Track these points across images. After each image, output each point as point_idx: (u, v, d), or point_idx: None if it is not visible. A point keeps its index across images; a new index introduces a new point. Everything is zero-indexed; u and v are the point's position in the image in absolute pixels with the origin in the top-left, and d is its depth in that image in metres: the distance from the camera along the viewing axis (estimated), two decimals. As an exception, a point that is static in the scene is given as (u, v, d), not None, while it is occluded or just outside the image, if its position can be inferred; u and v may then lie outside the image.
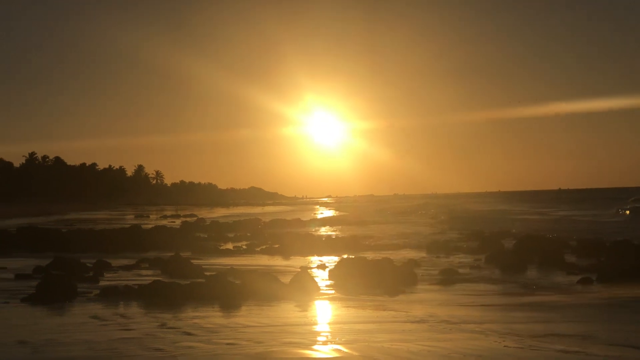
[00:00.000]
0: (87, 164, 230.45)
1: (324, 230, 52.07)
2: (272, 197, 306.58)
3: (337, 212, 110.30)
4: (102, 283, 20.91)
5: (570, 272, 22.23)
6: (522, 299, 17.75)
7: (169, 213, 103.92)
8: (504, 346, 11.90)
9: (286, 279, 19.70)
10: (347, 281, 20.36)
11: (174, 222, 68.27)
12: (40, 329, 13.94)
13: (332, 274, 21.72)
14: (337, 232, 48.14)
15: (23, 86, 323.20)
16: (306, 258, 29.51)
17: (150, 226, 49.26)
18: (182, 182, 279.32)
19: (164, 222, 69.50)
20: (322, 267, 24.97)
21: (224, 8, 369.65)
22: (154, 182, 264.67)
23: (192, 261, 25.10)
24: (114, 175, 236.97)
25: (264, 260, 28.88)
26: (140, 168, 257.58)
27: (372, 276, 20.52)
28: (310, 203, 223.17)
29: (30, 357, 11.50)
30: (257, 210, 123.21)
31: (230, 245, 37.52)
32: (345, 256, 26.94)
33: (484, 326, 13.71)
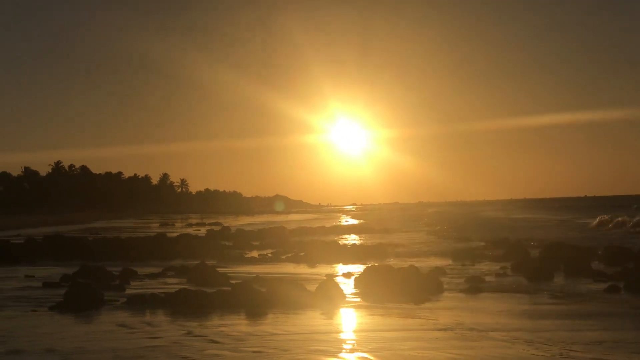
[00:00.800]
0: (112, 173, 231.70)
1: (349, 238, 52.05)
2: (297, 205, 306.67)
3: (361, 220, 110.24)
4: (129, 291, 21.01)
5: (597, 280, 22.11)
6: (549, 307, 17.67)
7: (194, 221, 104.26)
8: (531, 354, 11.86)
9: (312, 287, 19.69)
10: (372, 289, 20.33)
11: (199, 230, 68.46)
12: (68, 337, 14.04)
13: (358, 282, 21.70)
14: (362, 240, 48.11)
15: (49, 95, 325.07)
16: (332, 266, 29.51)
17: (175, 234, 49.44)
18: (206, 190, 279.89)
19: (189, 230, 69.71)
20: (347, 275, 24.95)
21: (248, 15, 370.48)
22: (179, 190, 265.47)
23: (217, 269, 25.15)
24: (139, 184, 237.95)
25: (289, 268, 28.90)
26: (165, 176, 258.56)
27: (398, 284, 20.48)
28: (334, 211, 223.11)
29: (59, 365, 11.58)
30: (281, 218, 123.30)
31: (255, 254, 37.57)
32: (370, 264, 26.91)
33: (511, 334, 13.67)
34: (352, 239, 50.05)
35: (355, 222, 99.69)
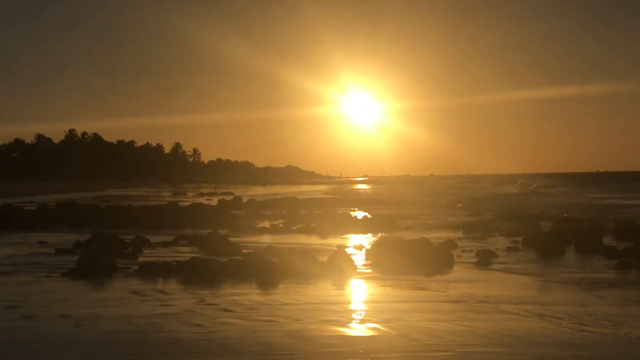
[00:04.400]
0: (125, 141, 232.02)
1: (361, 210, 52.06)
2: (309, 176, 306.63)
3: (373, 191, 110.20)
4: (141, 259, 21.12)
5: (609, 255, 22.08)
6: (560, 281, 17.68)
7: (205, 191, 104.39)
8: (542, 327, 11.91)
9: (323, 258, 19.78)
10: (383, 261, 20.37)
11: (211, 199, 68.53)
12: (82, 303, 14.15)
13: (369, 254, 21.74)
14: (374, 212, 48.09)
15: (64, 65, 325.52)
16: (343, 237, 29.56)
17: (187, 204, 49.51)
18: (219, 160, 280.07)
19: (201, 199, 69.79)
20: (358, 246, 24.99)
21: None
22: (191, 159, 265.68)
23: (229, 238, 25.26)
24: (151, 153, 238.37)
25: (300, 239, 28.96)
26: (177, 146, 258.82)
27: (409, 256, 20.52)
28: (346, 182, 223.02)
29: (72, 331, 11.69)
30: (293, 189, 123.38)
31: (267, 224, 37.63)
32: (381, 236, 26.96)
33: (522, 307, 13.71)
34: (364, 211, 50.03)
35: (367, 193, 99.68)
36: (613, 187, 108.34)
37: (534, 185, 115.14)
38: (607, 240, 26.41)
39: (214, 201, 60.20)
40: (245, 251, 21.87)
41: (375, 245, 22.18)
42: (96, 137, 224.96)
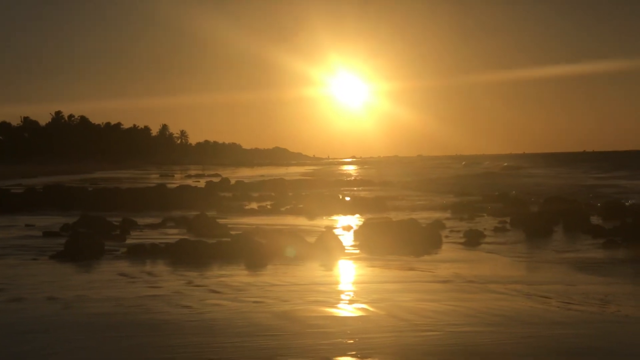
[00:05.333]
0: (112, 124, 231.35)
1: (349, 191, 52.07)
2: (296, 158, 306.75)
3: (361, 172, 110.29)
4: (129, 241, 21.10)
5: (596, 234, 22.16)
6: (548, 261, 17.73)
7: (193, 172, 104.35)
8: (530, 306, 11.94)
9: (311, 239, 19.77)
10: (372, 241, 20.39)
11: (199, 181, 68.42)
12: (70, 286, 14.12)
13: (357, 234, 21.77)
14: (362, 193, 48.13)
15: (49, 47, 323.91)
16: (331, 218, 29.58)
17: (175, 185, 49.44)
18: (206, 141, 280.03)
19: (189, 181, 69.72)
20: (347, 227, 25.01)
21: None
22: (179, 141, 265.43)
23: (217, 220, 25.24)
24: (138, 135, 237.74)
25: (288, 220, 28.96)
26: (164, 127, 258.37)
27: (397, 237, 20.55)
28: (334, 163, 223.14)
29: (61, 313, 11.66)
30: (281, 170, 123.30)
31: (255, 205, 37.61)
32: (370, 217, 26.98)
33: (510, 287, 13.75)
34: (352, 192, 50.05)
35: (355, 174, 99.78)
36: (582, 166, 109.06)
37: (505, 164, 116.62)
38: (594, 219, 26.51)
39: (202, 183, 60.12)
40: (233, 232, 21.85)
41: (363, 226, 22.19)
42: (83, 120, 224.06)
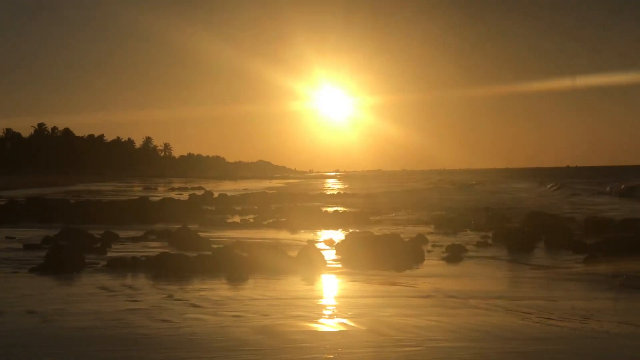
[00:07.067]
0: (95, 136, 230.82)
1: (332, 205, 52.06)
2: (280, 171, 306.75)
3: (344, 186, 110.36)
4: (110, 254, 21.01)
5: (578, 250, 22.20)
6: (529, 276, 17.76)
7: (176, 186, 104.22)
8: (510, 322, 11.94)
9: (293, 253, 19.73)
10: (354, 256, 20.35)
11: (182, 194, 68.26)
12: (49, 299, 14.03)
13: (339, 249, 21.73)
14: (345, 207, 48.12)
15: (33, 59, 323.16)
16: (313, 232, 29.54)
17: (158, 198, 49.28)
18: (190, 154, 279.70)
19: (172, 194, 69.53)
20: (329, 241, 24.96)
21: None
22: (162, 154, 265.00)
23: (199, 234, 25.17)
24: (122, 147, 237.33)
25: (271, 234, 28.91)
26: (148, 140, 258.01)
27: (380, 251, 20.52)
28: (318, 177, 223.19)
29: (39, 327, 11.58)
30: (264, 184, 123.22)
31: (237, 219, 37.54)
32: (352, 231, 26.96)
33: (491, 302, 13.74)
34: (334, 206, 50.04)
35: (338, 188, 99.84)
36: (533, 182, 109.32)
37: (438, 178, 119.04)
38: (575, 234, 26.56)
39: (185, 196, 59.98)
40: (214, 246, 21.78)
41: (346, 240, 22.16)
42: (66, 132, 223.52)
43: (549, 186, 75.87)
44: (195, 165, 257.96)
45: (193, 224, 30.61)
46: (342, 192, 78.24)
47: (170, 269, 17.67)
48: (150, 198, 49.13)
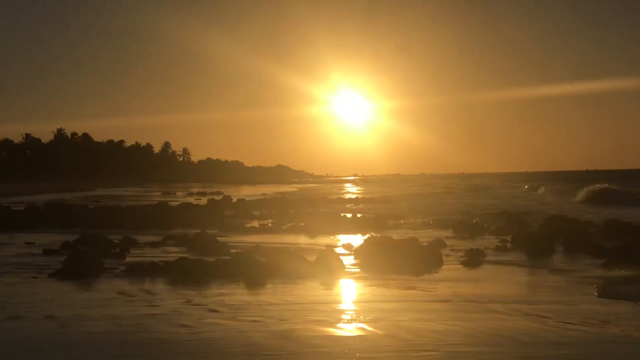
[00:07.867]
0: (114, 141, 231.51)
1: (350, 209, 52.02)
2: (299, 176, 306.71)
3: (363, 191, 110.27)
4: (129, 259, 21.06)
5: (597, 254, 22.09)
6: (548, 281, 17.70)
7: (195, 190, 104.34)
8: (528, 326, 11.90)
9: (311, 258, 19.72)
10: (372, 260, 20.33)
11: (201, 199, 68.43)
12: (68, 304, 14.08)
13: (358, 253, 21.72)
14: (363, 211, 48.05)
15: (52, 65, 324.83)
16: (332, 237, 29.50)
17: (176, 203, 49.44)
18: (208, 159, 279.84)
19: (191, 199, 69.71)
20: (347, 246, 24.92)
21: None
22: (181, 159, 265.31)
23: (218, 238, 25.18)
24: (141, 152, 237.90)
25: (289, 239, 28.90)
26: (167, 145, 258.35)
27: (398, 256, 20.49)
28: (336, 182, 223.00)
29: (58, 332, 11.63)
30: (283, 188, 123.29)
31: (256, 223, 37.59)
32: (371, 235, 26.91)
33: (509, 307, 13.70)
34: (353, 210, 49.99)
35: (357, 192, 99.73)
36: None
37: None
38: (594, 238, 26.42)
39: (204, 201, 60.08)
40: (233, 251, 21.78)
41: (364, 244, 22.14)
42: (86, 137, 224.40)
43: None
44: (214, 170, 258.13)
45: (212, 229, 30.63)
46: (360, 196, 78.24)
47: (188, 274, 17.70)
48: (169, 203, 49.26)
